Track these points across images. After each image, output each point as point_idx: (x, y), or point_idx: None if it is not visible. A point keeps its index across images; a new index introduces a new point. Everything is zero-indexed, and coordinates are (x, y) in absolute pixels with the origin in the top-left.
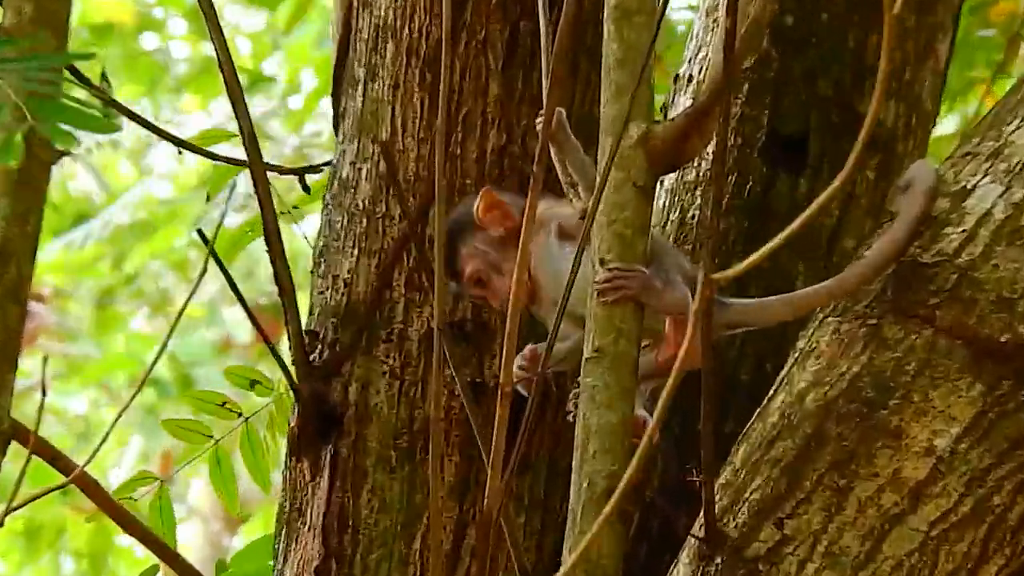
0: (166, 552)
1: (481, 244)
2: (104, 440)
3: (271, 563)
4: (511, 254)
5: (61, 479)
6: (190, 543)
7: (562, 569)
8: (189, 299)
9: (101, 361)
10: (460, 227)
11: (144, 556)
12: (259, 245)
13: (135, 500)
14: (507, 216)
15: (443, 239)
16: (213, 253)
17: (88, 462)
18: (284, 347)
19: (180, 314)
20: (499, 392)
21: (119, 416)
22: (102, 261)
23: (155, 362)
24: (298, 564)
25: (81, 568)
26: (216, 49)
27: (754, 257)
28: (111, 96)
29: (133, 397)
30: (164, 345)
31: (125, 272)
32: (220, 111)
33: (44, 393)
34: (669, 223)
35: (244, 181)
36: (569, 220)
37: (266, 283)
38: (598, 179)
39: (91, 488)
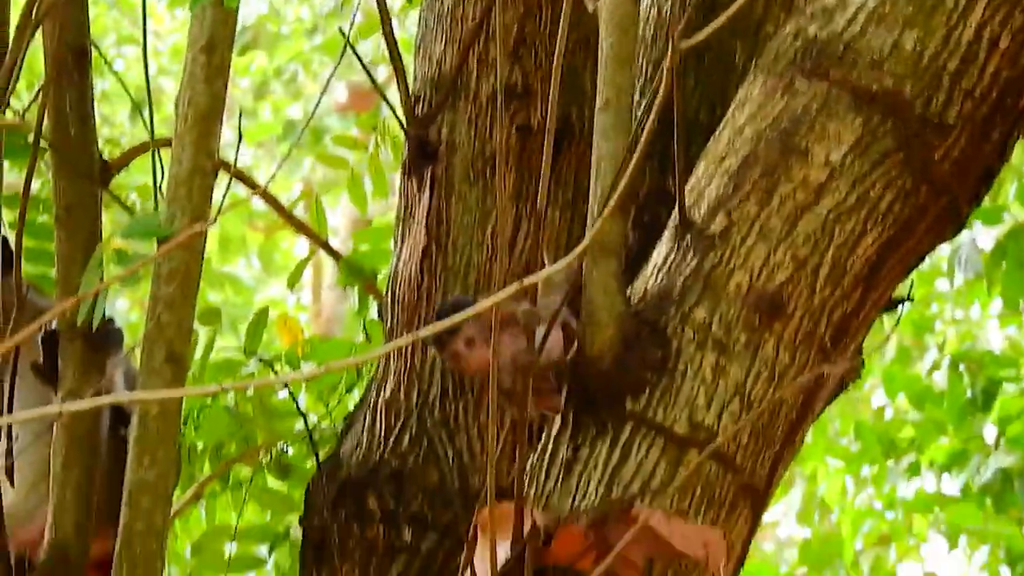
0: (320, 241)
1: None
2: (279, 167)
3: (387, 246)
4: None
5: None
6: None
7: (581, 244)
8: (324, 90)
9: None
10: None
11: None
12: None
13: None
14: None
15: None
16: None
17: (268, 182)
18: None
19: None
20: (546, 134)
21: (290, 151)
22: None
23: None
24: (410, 247)
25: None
26: None
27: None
28: None
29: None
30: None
31: None
32: None
33: None
34: None
35: None
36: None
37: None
38: None
39: (273, 202)
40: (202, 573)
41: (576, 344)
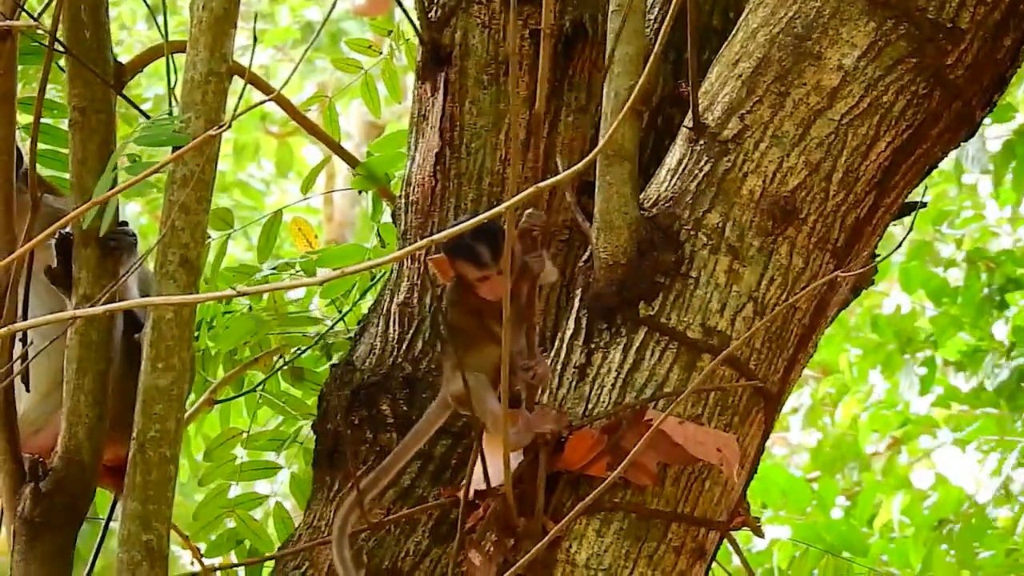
0: (334, 145)
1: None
2: (294, 71)
3: (400, 150)
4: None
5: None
6: None
7: (599, 147)
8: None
9: None
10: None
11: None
12: None
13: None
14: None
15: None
16: None
17: (283, 87)
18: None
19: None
20: (541, 35)
21: (305, 53)
22: None
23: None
24: (423, 152)
25: (271, 172)
26: None
27: None
28: None
29: (307, 49)
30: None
31: None
32: None
33: None
34: None
35: None
36: None
37: None
38: None
39: (288, 106)
40: (213, 479)
41: (589, 249)
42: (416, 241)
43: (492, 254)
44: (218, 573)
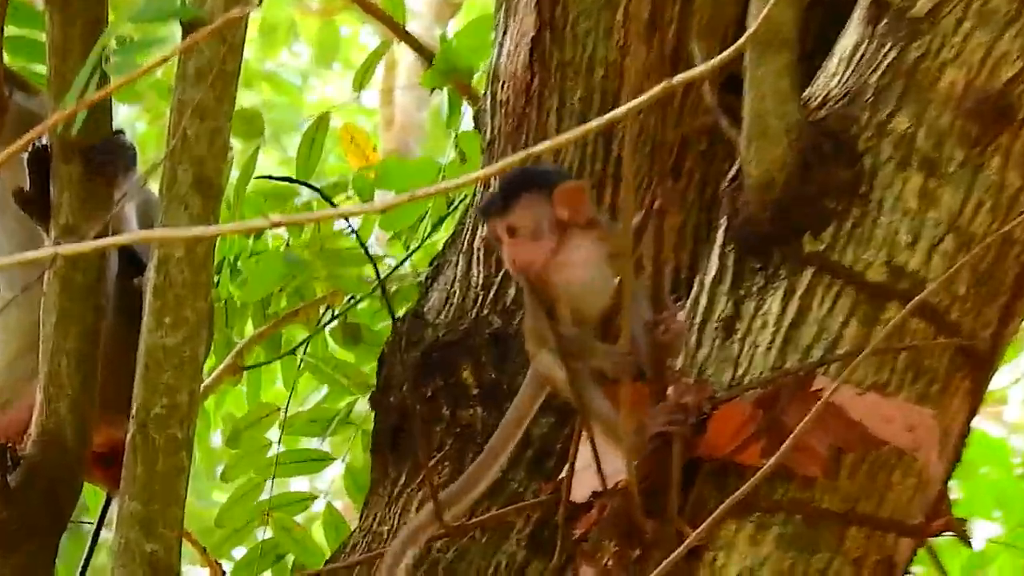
0: (396, 27)
1: (543, 209)
2: None
3: (490, 37)
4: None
5: None
6: None
7: (749, 30)
8: None
9: None
10: (536, 183)
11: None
12: None
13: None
14: (579, 211)
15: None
16: None
17: None
18: None
19: None
20: None
21: None
22: None
23: None
24: (516, 35)
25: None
26: None
27: None
28: None
29: None
30: None
31: None
32: None
33: None
34: None
35: None
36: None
37: None
38: None
39: None
40: (240, 472)
41: (736, 163)
42: (507, 154)
43: (504, 206)
44: None
